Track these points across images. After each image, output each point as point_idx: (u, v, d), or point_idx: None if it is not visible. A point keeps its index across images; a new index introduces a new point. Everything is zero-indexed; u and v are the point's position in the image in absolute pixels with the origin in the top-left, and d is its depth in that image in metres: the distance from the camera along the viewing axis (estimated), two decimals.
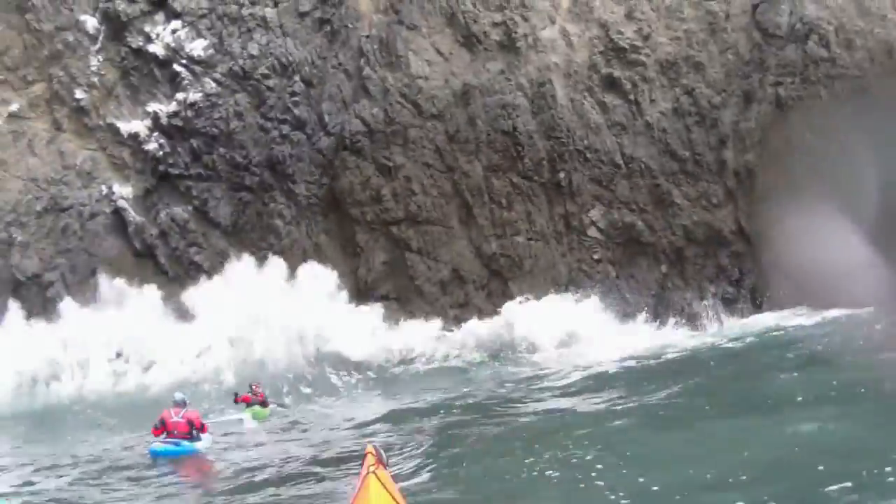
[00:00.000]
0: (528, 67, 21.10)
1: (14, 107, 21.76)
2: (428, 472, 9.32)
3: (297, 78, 20.77)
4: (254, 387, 16.44)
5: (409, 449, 11.12)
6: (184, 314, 19.78)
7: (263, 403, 16.21)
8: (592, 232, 20.88)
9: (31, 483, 11.63)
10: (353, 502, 4.86)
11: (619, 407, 13.14)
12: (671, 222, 21.00)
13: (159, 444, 12.46)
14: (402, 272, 20.40)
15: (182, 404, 12.78)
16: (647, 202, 21.05)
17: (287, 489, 9.80)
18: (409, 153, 20.50)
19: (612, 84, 21.33)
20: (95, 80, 21.38)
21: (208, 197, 20.78)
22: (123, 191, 21.25)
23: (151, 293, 20.15)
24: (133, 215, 21.11)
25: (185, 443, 12.48)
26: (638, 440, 10.78)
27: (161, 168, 20.88)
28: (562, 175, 20.76)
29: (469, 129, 20.69)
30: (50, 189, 21.37)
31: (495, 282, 20.73)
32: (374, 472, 4.90)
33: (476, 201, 20.60)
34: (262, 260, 20.10)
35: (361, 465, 5.11)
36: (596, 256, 20.88)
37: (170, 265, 20.87)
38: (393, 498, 4.83)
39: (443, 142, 20.65)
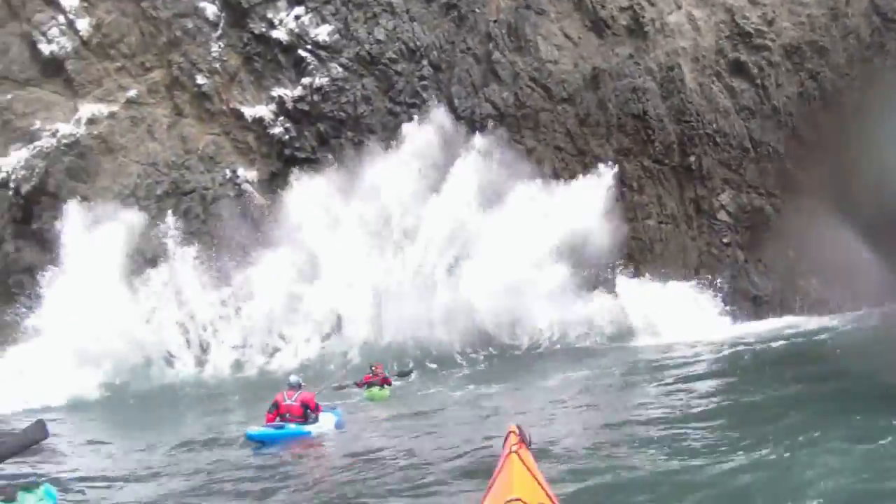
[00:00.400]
0: (657, 52, 20.93)
1: (132, 93, 21.58)
2: (570, 454, 8.44)
3: (425, 62, 20.57)
4: (374, 367, 16.07)
5: (548, 428, 10.19)
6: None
7: (385, 382, 15.84)
8: (722, 216, 20.64)
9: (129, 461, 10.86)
10: (493, 482, 4.72)
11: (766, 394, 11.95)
12: (799, 206, 20.73)
13: (256, 427, 11.55)
14: None
15: (296, 387, 11.96)
16: (776, 186, 20.82)
17: (416, 470, 8.75)
18: (541, 137, 20.27)
19: (738, 68, 21.15)
20: (217, 65, 21.19)
21: None
22: (248, 174, 21.01)
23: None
24: (259, 198, 20.84)
25: (293, 426, 11.59)
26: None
27: (287, 152, 20.61)
28: (692, 159, 20.53)
29: (599, 113, 20.49)
30: (171, 173, 21.13)
31: (628, 265, 20.46)
32: (516, 451, 4.74)
33: None
34: None
35: (504, 444, 4.88)
36: (725, 240, 20.62)
37: None
38: (535, 479, 4.67)
39: (574, 125, 20.44)
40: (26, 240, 21.30)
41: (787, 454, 7.61)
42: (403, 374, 17.05)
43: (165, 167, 21.21)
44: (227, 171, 21.02)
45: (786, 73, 21.36)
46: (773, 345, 16.34)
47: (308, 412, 11.67)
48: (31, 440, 5.63)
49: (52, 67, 21.71)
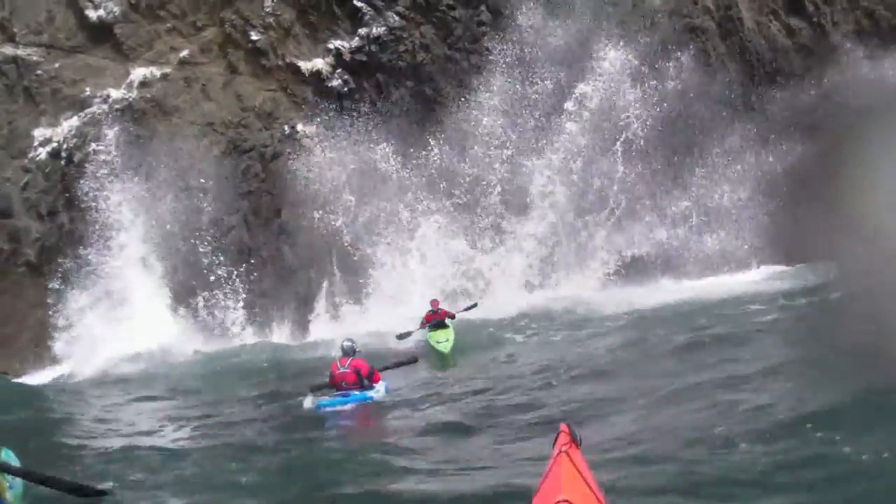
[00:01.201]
0: None
1: (184, 53, 21.09)
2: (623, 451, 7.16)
3: (483, 7, 20.19)
4: (432, 303, 15.58)
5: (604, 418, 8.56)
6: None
7: (449, 316, 15.29)
8: None
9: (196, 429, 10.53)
10: (542, 482, 4.65)
11: None
12: None
13: (325, 397, 11.04)
14: None
15: (350, 353, 11.21)
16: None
17: (462, 452, 7.91)
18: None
19: (794, 7, 20.87)
20: (271, 20, 20.74)
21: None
22: (308, 129, 20.55)
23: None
24: (319, 153, 20.38)
25: (355, 392, 10.97)
26: None
27: (347, 104, 20.18)
28: (753, 98, 20.21)
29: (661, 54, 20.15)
30: (228, 132, 20.66)
31: None
32: (566, 451, 4.70)
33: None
34: None
35: (553, 444, 4.85)
36: None
37: None
38: (584, 480, 4.60)
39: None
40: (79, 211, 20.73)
41: None
42: (469, 308, 16.52)
43: (222, 126, 20.73)
44: (286, 127, 20.55)
45: (841, 10, 21.10)
46: None
47: (362, 379, 11.03)
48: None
49: (101, 32, 21.20)
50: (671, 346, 11.68)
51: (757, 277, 18.42)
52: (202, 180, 20.05)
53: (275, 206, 20.25)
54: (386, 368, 11.51)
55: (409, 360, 12.21)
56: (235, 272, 19.41)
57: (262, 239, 20.16)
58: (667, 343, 11.98)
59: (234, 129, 20.66)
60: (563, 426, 4.87)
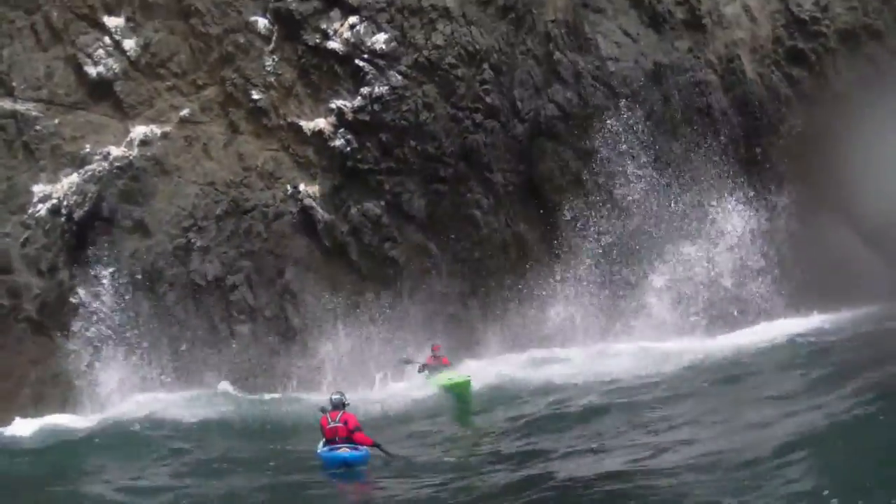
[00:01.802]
0: (716, 44, 20.46)
1: (185, 111, 20.80)
2: None
3: (485, 66, 19.98)
4: (434, 348, 15.43)
5: None
6: None
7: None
8: None
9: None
10: None
11: None
12: None
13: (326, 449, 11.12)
14: None
15: (339, 406, 11.19)
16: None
17: None
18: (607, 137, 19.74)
19: (796, 57, 20.70)
20: (272, 79, 20.47)
21: (401, 190, 19.90)
22: (310, 189, 20.34)
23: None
24: (322, 213, 20.18)
25: (347, 448, 10.95)
26: None
27: (349, 164, 19.97)
28: (758, 150, 20.05)
29: (665, 109, 19.96)
30: (230, 192, 20.42)
31: None
32: None
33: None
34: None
35: None
36: None
37: (362, 262, 19.93)
38: None
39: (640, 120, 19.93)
40: (81, 267, 20.52)
41: None
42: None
43: (224, 186, 20.49)
44: (288, 187, 20.33)
45: (843, 57, 20.93)
46: None
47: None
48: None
49: (100, 90, 20.87)
50: None
51: None
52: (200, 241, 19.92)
53: (277, 267, 20.04)
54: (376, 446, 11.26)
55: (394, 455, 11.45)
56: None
57: (265, 299, 19.96)
58: None
59: (236, 189, 20.43)
60: None
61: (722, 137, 20.07)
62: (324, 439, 11.18)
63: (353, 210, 20.00)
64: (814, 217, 19.09)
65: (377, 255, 19.89)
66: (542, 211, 19.80)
